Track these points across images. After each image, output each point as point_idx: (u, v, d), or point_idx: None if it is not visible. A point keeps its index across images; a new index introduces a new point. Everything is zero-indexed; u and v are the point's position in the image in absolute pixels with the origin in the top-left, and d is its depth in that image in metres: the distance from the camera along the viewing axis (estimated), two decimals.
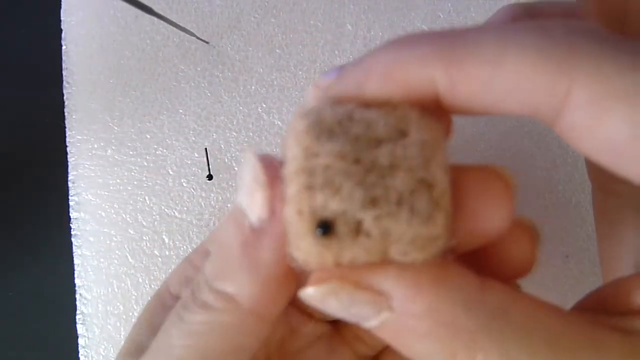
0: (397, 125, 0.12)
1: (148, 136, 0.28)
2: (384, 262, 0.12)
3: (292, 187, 0.12)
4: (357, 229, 0.12)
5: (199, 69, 0.28)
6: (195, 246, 0.27)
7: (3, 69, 0.30)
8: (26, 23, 0.30)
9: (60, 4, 0.29)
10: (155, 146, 0.27)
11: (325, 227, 0.12)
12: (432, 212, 0.12)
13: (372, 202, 0.12)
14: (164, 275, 0.26)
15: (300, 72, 0.28)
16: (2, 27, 0.30)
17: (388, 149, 0.12)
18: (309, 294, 0.12)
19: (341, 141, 0.12)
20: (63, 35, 0.29)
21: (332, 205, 0.12)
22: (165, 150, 0.27)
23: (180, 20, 0.28)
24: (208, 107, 0.28)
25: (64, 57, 0.29)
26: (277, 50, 0.28)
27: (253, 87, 0.28)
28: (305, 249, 0.12)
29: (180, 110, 0.28)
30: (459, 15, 0.27)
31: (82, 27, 0.29)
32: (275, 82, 0.28)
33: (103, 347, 0.26)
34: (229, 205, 0.27)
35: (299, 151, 0.12)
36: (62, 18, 0.29)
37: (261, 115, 0.28)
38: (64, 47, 0.29)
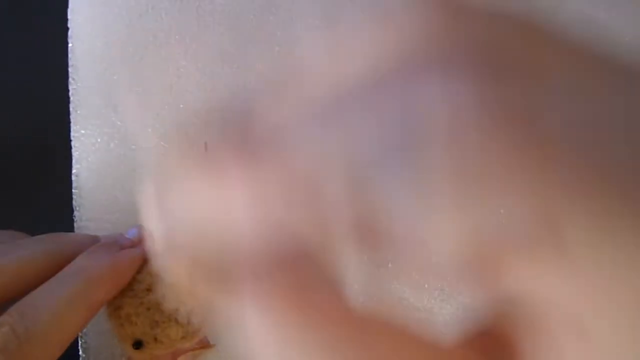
0: (157, 275, 0.21)
1: (149, 130, 0.28)
2: (175, 351, 0.23)
3: (112, 323, 0.23)
4: (155, 339, 0.22)
5: (199, 65, 0.29)
6: None
7: (11, 65, 0.31)
8: (34, 21, 0.31)
9: (67, 4, 0.30)
10: (157, 140, 0.28)
11: (137, 344, 0.22)
12: (189, 319, 0.22)
13: (156, 324, 0.22)
14: None
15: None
16: (10, 25, 0.31)
17: (155, 291, 0.22)
18: None
19: (126, 297, 0.22)
20: (70, 33, 0.30)
21: (136, 332, 0.22)
22: (166, 145, 0.28)
23: (182, 18, 0.29)
24: (207, 104, 0.28)
25: (70, 55, 0.30)
26: (276, 48, 0.29)
27: (252, 84, 0.28)
28: (132, 356, 0.23)
29: (181, 106, 0.28)
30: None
31: (88, 25, 0.30)
32: (275, 79, 0.28)
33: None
34: None
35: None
36: (69, 17, 0.30)
37: None
38: (70, 45, 0.30)
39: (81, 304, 0.20)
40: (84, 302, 0.20)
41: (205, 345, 0.25)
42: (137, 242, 0.23)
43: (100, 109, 0.29)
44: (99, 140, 0.29)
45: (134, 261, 0.22)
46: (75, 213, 0.28)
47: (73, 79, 0.29)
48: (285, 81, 0.12)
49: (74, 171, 0.28)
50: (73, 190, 0.28)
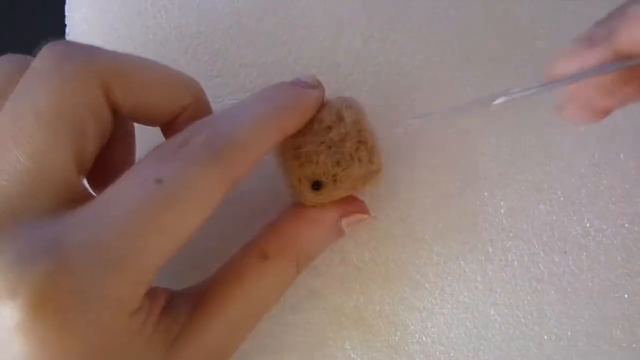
0: (336, 115, 0.22)
1: (149, 129, 0.28)
2: (353, 192, 0.23)
3: (290, 164, 0.22)
4: (334, 179, 0.22)
5: (200, 64, 0.29)
6: None
7: None
8: (31, 19, 0.31)
9: (64, 1, 0.30)
10: (157, 139, 0.28)
11: (317, 184, 0.22)
12: (371, 158, 0.22)
13: (338, 163, 0.22)
14: None
15: (298, 68, 0.28)
16: (7, 22, 0.31)
17: (335, 130, 0.22)
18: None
19: (307, 135, 0.22)
20: (67, 30, 0.30)
21: (316, 171, 0.22)
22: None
23: (182, 16, 0.29)
24: (209, 101, 0.28)
25: None
26: (277, 46, 0.28)
27: (253, 84, 0.28)
28: (308, 198, 0.22)
29: None
30: (457, 11, 0.27)
31: (86, 22, 0.30)
32: (275, 78, 0.28)
33: None
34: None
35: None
36: (66, 14, 0.30)
37: None
38: None
39: (272, 124, 0.20)
40: (275, 122, 0.20)
41: (364, 210, 0.24)
42: (317, 84, 0.23)
43: None
44: None
45: (317, 98, 0.22)
46: None
47: None
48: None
49: None
50: None
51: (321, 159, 0.21)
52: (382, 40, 0.28)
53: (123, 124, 0.22)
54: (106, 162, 0.21)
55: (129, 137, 0.23)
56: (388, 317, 0.26)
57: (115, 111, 0.20)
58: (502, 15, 0.27)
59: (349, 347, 0.26)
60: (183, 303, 0.20)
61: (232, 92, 0.28)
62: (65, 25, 0.30)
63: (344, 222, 0.23)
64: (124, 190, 0.17)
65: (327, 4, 0.28)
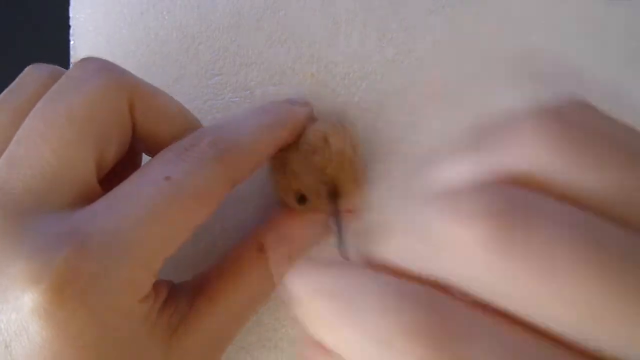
0: (322, 139, 0.23)
1: None
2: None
3: (278, 177, 0.24)
4: (318, 196, 0.23)
5: (201, 63, 0.29)
6: None
7: (13, 62, 0.31)
8: (36, 19, 0.31)
9: (69, 1, 0.31)
10: None
11: (302, 199, 0.23)
12: (355, 180, 0.23)
13: (322, 182, 0.23)
14: None
15: (297, 66, 0.29)
16: (11, 23, 0.31)
17: (320, 154, 0.23)
18: None
19: (295, 153, 0.23)
20: (71, 30, 0.30)
21: (302, 187, 0.23)
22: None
23: (183, 16, 0.29)
24: (209, 100, 0.29)
25: (71, 52, 0.30)
26: (277, 46, 0.29)
27: (253, 82, 0.29)
28: (295, 207, 0.24)
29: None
30: (452, 9, 0.28)
31: (90, 23, 0.30)
32: (275, 77, 0.29)
33: None
34: None
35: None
36: (70, 14, 0.30)
37: None
38: (71, 42, 0.30)
39: (270, 133, 0.22)
40: (272, 132, 0.22)
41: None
42: (306, 104, 0.25)
43: None
44: None
45: (306, 114, 0.24)
46: None
47: None
48: None
49: None
50: None
51: (306, 178, 0.23)
52: (378, 39, 0.28)
53: (135, 144, 0.24)
54: (114, 173, 0.22)
55: (138, 156, 0.25)
56: None
57: (132, 129, 0.21)
58: (497, 12, 0.28)
59: None
60: (183, 294, 0.21)
61: (232, 90, 0.29)
62: (69, 27, 0.30)
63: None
64: (137, 186, 0.18)
65: (325, 5, 0.29)
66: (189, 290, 0.21)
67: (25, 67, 0.31)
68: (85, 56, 0.21)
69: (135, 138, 0.21)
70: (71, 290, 0.16)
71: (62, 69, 0.22)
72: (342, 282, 0.11)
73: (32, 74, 0.22)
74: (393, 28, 0.28)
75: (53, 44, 0.31)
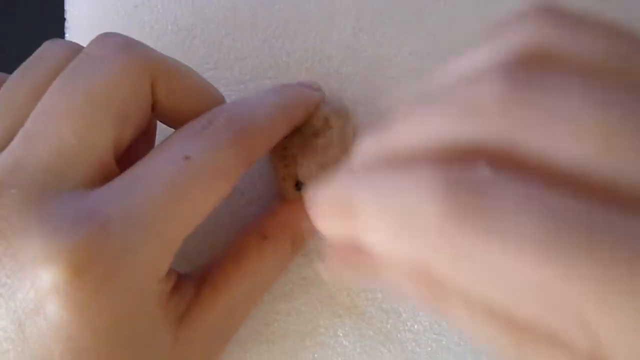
0: (324, 121, 0.23)
1: None
2: None
3: (277, 163, 0.24)
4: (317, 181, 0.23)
5: (196, 57, 0.29)
6: None
7: (7, 58, 0.31)
8: (31, 13, 0.31)
9: None
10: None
11: (300, 185, 0.23)
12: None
13: (321, 167, 0.22)
14: None
15: (291, 60, 0.29)
16: (7, 17, 0.31)
17: (322, 136, 0.23)
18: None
19: (295, 138, 0.23)
20: (66, 25, 0.30)
21: (300, 173, 0.23)
22: (163, 138, 0.28)
23: (178, 10, 0.29)
24: None
25: None
26: (271, 40, 0.29)
27: (247, 76, 0.29)
28: (291, 196, 0.24)
29: None
30: (446, 4, 0.28)
31: (85, 18, 0.30)
32: (270, 71, 0.29)
33: None
34: None
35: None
36: (65, 8, 0.30)
37: None
38: (67, 36, 0.30)
39: (284, 113, 0.22)
40: (286, 113, 0.22)
41: None
42: (318, 88, 0.25)
43: None
44: None
45: (318, 98, 0.24)
46: None
47: None
48: None
49: None
50: None
51: (305, 162, 0.23)
52: (372, 33, 0.28)
53: (151, 121, 0.24)
54: (128, 151, 0.22)
55: (152, 134, 0.25)
56: (380, 305, 0.26)
57: (153, 107, 0.21)
58: (491, 7, 0.28)
59: (341, 334, 0.26)
60: (189, 283, 0.21)
61: (227, 84, 0.29)
62: (64, 20, 0.30)
63: None
64: (155, 165, 0.18)
65: None
66: (194, 280, 0.21)
67: (21, 60, 0.31)
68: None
69: (154, 114, 0.21)
70: (92, 271, 0.15)
71: (80, 44, 0.22)
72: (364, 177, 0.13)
73: (50, 49, 0.21)
74: (387, 22, 0.28)
75: (48, 37, 0.31)
